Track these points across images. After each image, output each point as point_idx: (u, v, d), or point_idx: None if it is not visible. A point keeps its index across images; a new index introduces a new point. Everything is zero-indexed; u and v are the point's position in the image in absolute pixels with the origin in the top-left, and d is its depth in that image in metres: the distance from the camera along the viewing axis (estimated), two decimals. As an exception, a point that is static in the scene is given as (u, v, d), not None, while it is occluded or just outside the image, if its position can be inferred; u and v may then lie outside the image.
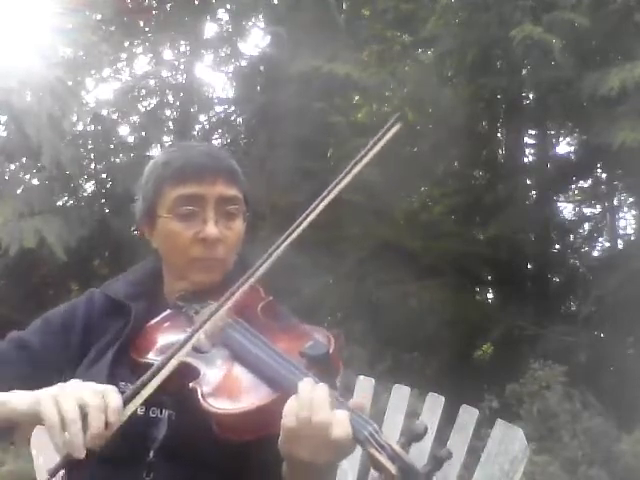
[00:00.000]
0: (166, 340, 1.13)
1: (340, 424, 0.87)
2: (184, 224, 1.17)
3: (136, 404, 0.95)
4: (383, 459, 0.84)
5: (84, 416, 0.90)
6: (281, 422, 0.90)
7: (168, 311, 1.20)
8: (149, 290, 1.26)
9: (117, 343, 1.16)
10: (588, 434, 4.68)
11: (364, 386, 2.14)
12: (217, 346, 1.07)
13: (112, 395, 0.94)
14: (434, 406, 2.02)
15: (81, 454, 0.88)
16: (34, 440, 1.72)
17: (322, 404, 0.88)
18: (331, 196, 1.13)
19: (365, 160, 1.16)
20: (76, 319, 1.23)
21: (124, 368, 1.13)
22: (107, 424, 0.91)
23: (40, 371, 1.17)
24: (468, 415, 1.97)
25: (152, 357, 1.10)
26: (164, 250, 1.23)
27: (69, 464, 0.90)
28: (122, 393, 0.98)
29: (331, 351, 1.00)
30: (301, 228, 1.12)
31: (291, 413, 0.89)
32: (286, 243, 1.11)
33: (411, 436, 0.87)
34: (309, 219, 1.12)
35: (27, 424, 0.99)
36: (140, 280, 1.28)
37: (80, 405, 0.91)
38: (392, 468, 0.83)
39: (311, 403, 0.88)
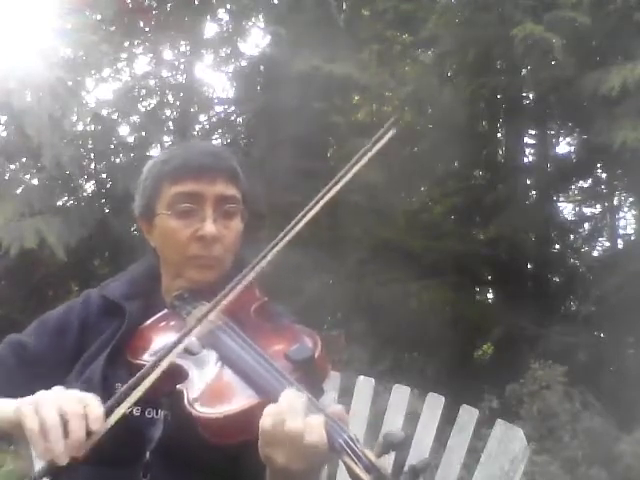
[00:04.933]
0: (161, 341, 1.12)
1: (314, 431, 0.87)
2: (182, 222, 1.17)
3: (119, 413, 0.93)
4: (358, 470, 0.83)
5: (65, 423, 0.89)
6: (259, 425, 0.90)
7: (164, 311, 1.20)
8: (146, 289, 1.26)
9: (111, 344, 1.16)
10: (588, 434, 4.68)
11: (364, 386, 2.14)
12: (207, 347, 1.07)
13: (93, 403, 0.92)
14: (434, 406, 2.01)
15: (62, 461, 0.88)
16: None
17: (297, 411, 0.88)
18: (325, 199, 1.12)
19: (359, 165, 1.14)
20: (72, 320, 1.22)
21: (119, 369, 1.12)
22: (88, 432, 0.90)
23: (38, 374, 1.16)
24: (468, 415, 1.96)
25: (147, 358, 1.09)
26: (162, 248, 1.22)
27: (52, 472, 0.90)
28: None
29: (316, 355, 1.00)
30: (295, 230, 1.11)
31: (268, 417, 0.90)
32: (279, 247, 1.10)
33: (388, 445, 0.85)
34: (304, 221, 1.11)
35: (13, 433, 0.98)
36: (137, 279, 1.28)
37: (61, 413, 0.90)
38: (367, 478, 0.82)
39: (287, 410, 0.89)
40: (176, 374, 1.02)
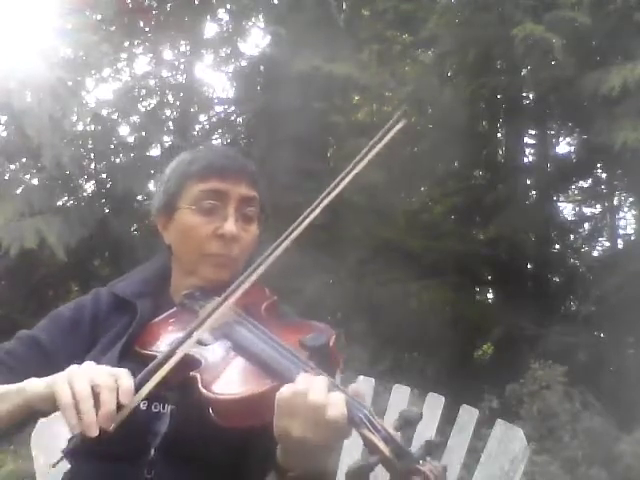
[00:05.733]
0: (171, 335, 1.13)
1: (335, 405, 0.88)
2: (204, 218, 1.19)
3: (147, 389, 0.96)
4: (377, 440, 0.85)
5: (97, 396, 0.92)
6: (277, 396, 0.90)
7: (174, 308, 1.22)
8: (156, 289, 1.27)
9: (123, 339, 1.17)
10: (588, 434, 4.68)
11: (364, 386, 2.14)
12: (219, 338, 1.08)
13: (124, 377, 0.95)
14: (434, 406, 2.01)
15: (93, 432, 0.90)
16: (34, 440, 1.72)
17: (319, 385, 0.90)
18: (333, 194, 1.13)
19: (367, 158, 1.15)
20: (83, 316, 1.24)
21: (130, 363, 1.12)
22: (119, 406, 0.92)
23: (51, 368, 1.17)
24: (468, 415, 1.96)
25: (156, 350, 1.11)
26: (178, 243, 1.23)
27: (82, 443, 0.92)
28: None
29: (331, 343, 1.02)
30: (305, 223, 1.11)
31: (288, 388, 0.90)
32: (292, 237, 1.10)
33: (405, 421, 0.88)
34: (312, 215, 1.12)
35: (44, 408, 1.00)
36: (147, 278, 1.29)
37: (92, 385, 0.92)
38: (386, 450, 0.84)
39: (309, 384, 0.90)
40: (188, 364, 1.03)
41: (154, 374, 0.98)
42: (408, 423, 0.87)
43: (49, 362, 1.17)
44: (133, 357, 1.13)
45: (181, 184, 1.22)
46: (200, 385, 0.98)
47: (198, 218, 1.19)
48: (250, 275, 1.08)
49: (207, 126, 8.59)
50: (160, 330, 1.17)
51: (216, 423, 0.96)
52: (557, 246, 8.17)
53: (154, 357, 1.02)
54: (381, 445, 0.85)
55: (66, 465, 1.19)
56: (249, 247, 1.22)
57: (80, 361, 1.18)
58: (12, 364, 1.16)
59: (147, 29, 8.04)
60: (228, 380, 1.00)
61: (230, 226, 1.17)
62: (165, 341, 1.13)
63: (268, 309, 1.18)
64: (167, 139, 7.89)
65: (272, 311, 1.19)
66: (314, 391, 0.89)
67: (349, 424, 0.88)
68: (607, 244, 8.31)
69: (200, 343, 1.06)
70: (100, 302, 1.26)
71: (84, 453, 1.11)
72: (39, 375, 1.14)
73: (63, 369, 1.16)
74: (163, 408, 1.11)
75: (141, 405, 1.08)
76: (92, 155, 7.21)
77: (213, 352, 1.05)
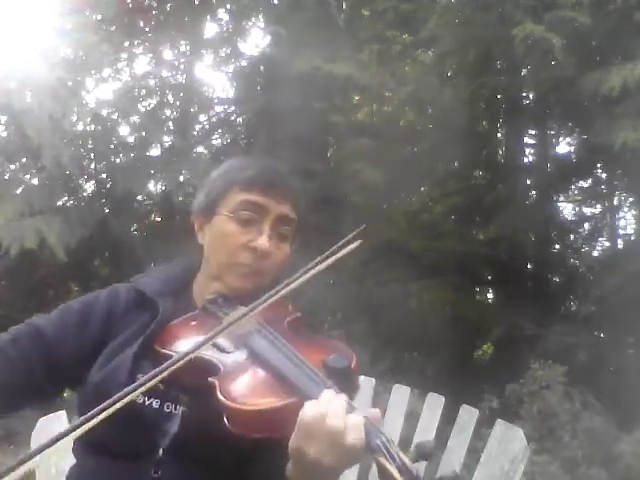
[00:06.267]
0: (192, 337, 1.14)
1: (354, 430, 0.88)
2: (240, 228, 1.20)
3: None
4: (392, 470, 0.85)
5: None
6: (299, 415, 0.90)
7: (196, 311, 1.22)
8: (177, 289, 1.28)
9: (142, 336, 1.17)
10: (588, 434, 4.68)
11: (364, 386, 2.14)
12: (241, 348, 1.09)
13: None
14: (434, 406, 2.02)
15: None
16: (34, 440, 1.72)
17: (339, 409, 0.90)
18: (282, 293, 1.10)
19: (320, 267, 1.14)
20: (94, 310, 1.24)
21: (147, 361, 1.14)
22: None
23: (50, 361, 1.18)
24: (468, 415, 1.97)
25: (175, 350, 1.11)
26: (210, 247, 1.24)
27: None
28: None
29: (353, 365, 1.04)
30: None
31: (309, 410, 0.90)
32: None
33: (421, 454, 0.88)
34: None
35: None
36: (170, 278, 1.30)
37: None
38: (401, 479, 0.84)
39: (328, 407, 0.90)
40: (206, 368, 1.04)
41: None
42: (423, 455, 0.88)
43: (49, 354, 1.18)
44: (151, 355, 1.14)
45: (224, 190, 1.23)
46: (218, 392, 0.98)
47: (234, 227, 1.20)
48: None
49: (207, 126, 8.59)
50: (181, 331, 1.18)
51: (228, 429, 0.97)
52: (557, 246, 8.16)
53: (169, 356, 1.03)
54: (395, 474, 0.84)
55: (72, 460, 1.19)
56: (279, 264, 1.23)
57: (86, 352, 1.19)
58: (12, 354, 1.16)
59: (147, 29, 8.04)
60: (247, 390, 1.01)
61: (263, 241, 1.18)
62: (185, 342, 1.13)
63: (291, 324, 1.19)
64: (167, 139, 7.90)
65: (295, 326, 1.19)
66: (333, 414, 0.89)
67: (365, 450, 0.88)
68: (607, 244, 8.31)
69: (220, 350, 1.07)
70: (118, 299, 1.26)
71: (91, 449, 1.11)
72: (36, 368, 1.16)
73: (63, 362, 1.18)
74: (175, 409, 1.12)
75: (154, 404, 1.11)
76: (92, 155, 7.21)
77: (233, 360, 1.06)
